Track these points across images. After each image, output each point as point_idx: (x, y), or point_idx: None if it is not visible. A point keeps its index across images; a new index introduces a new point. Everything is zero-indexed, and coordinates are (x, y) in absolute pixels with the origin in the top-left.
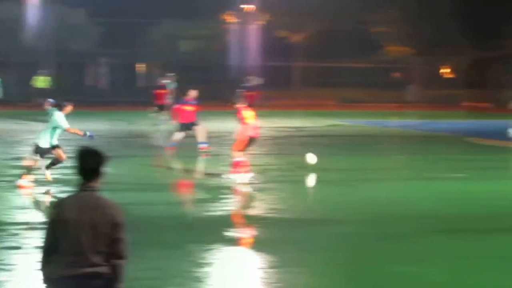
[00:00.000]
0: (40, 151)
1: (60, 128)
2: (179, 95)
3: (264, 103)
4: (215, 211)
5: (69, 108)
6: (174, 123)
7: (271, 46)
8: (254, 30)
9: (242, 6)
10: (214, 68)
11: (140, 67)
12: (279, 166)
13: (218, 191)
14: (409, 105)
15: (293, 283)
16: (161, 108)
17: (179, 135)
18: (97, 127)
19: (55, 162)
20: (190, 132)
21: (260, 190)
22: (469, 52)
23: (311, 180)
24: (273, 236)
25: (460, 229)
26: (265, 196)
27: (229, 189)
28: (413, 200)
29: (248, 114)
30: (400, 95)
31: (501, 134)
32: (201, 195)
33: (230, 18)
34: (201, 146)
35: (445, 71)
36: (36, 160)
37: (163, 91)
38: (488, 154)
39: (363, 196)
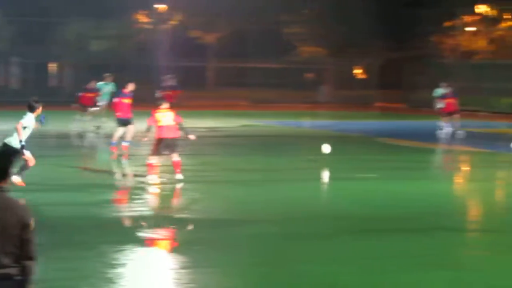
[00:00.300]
0: None
1: None
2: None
3: (180, 103)
4: (129, 212)
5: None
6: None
7: (184, 46)
8: (167, 30)
9: (155, 6)
10: (128, 68)
11: (52, 66)
12: (192, 166)
13: (132, 192)
14: (321, 105)
15: (206, 283)
16: (85, 109)
17: (119, 132)
18: (8, 128)
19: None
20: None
21: (174, 190)
22: (382, 53)
23: (224, 180)
24: (186, 237)
25: (371, 229)
26: (179, 196)
27: (143, 190)
28: (325, 200)
29: (162, 116)
30: (313, 95)
31: (413, 135)
32: (115, 195)
33: (142, 18)
34: (113, 146)
35: (358, 71)
36: None
37: (91, 94)
38: (401, 155)
39: (276, 196)
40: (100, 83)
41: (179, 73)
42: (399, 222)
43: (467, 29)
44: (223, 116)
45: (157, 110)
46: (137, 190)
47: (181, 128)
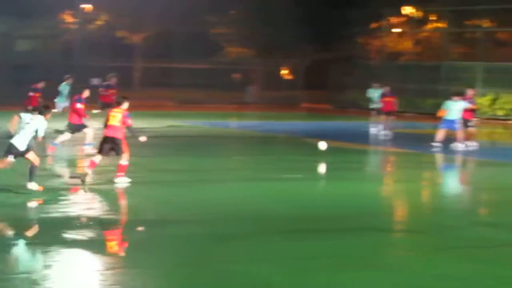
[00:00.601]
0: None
1: None
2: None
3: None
4: (53, 212)
5: None
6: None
7: (111, 46)
8: (93, 30)
9: (80, 6)
10: (54, 68)
11: None
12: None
13: (56, 193)
14: (249, 106)
15: (131, 284)
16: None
17: (66, 136)
18: None
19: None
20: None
21: (98, 191)
22: (308, 54)
23: (150, 181)
24: (111, 237)
25: (299, 229)
26: (103, 197)
27: (67, 191)
28: (252, 201)
29: (112, 116)
30: (240, 96)
31: (340, 135)
32: (40, 196)
33: (68, 18)
34: (86, 147)
35: (285, 72)
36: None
37: (36, 94)
38: (327, 155)
39: (203, 197)
40: (63, 84)
41: (106, 74)
42: (327, 223)
43: (393, 30)
44: (149, 116)
45: (113, 110)
46: (61, 191)
47: (130, 130)
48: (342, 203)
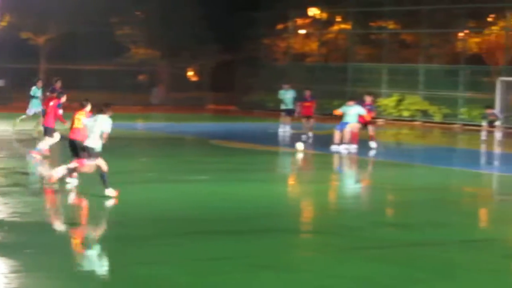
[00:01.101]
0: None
1: None
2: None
3: (6, 105)
4: None
5: None
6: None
7: (15, 47)
8: None
9: None
10: None
11: None
12: (24, 169)
13: None
14: (155, 107)
15: None
16: None
17: (53, 140)
18: None
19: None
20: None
21: (2, 193)
22: (214, 55)
23: (55, 183)
24: (14, 240)
25: (204, 231)
26: (8, 199)
27: None
28: (158, 202)
29: (77, 118)
30: (146, 97)
31: (245, 137)
32: None
33: None
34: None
35: (191, 74)
36: None
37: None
38: (233, 157)
39: (107, 200)
40: (34, 88)
41: (8, 75)
42: (232, 224)
43: (299, 31)
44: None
45: (78, 112)
46: None
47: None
48: (247, 205)
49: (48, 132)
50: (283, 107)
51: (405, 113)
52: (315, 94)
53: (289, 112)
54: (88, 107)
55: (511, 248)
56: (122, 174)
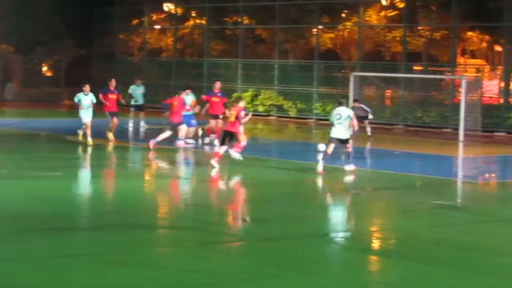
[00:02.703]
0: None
1: None
2: None
3: None
4: None
5: None
6: None
7: None
8: None
9: None
10: None
11: None
12: None
13: None
14: (9, 103)
15: None
16: None
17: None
18: None
19: None
20: None
21: None
22: (70, 50)
23: None
24: None
25: (56, 228)
26: None
27: None
28: (8, 199)
29: None
30: (0, 93)
31: (100, 132)
32: None
33: None
34: None
35: (46, 69)
36: None
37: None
38: (85, 153)
39: None
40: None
41: None
42: (85, 220)
43: (155, 27)
44: None
45: None
46: None
47: None
48: (101, 201)
49: None
50: (133, 102)
51: (261, 108)
52: (169, 88)
53: (139, 108)
54: None
55: (365, 242)
56: None
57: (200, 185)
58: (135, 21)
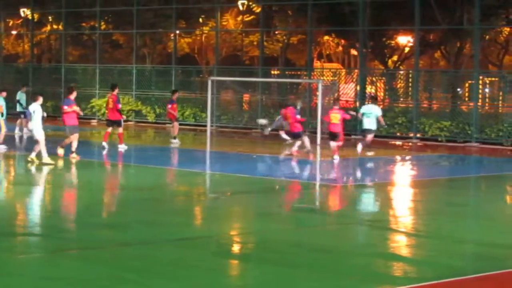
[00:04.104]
0: None
1: None
2: None
3: None
4: None
5: None
6: None
7: None
8: None
9: None
10: None
11: None
12: None
13: None
14: None
15: None
16: None
17: None
18: None
19: None
20: None
21: None
22: None
23: None
24: None
25: None
26: None
27: None
28: None
29: None
30: None
31: None
32: None
33: None
34: None
35: None
36: None
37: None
38: None
39: None
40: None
41: None
42: None
43: (12, 32)
44: None
45: None
46: None
47: None
48: None
49: None
50: (20, 109)
51: None
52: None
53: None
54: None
55: (222, 245)
56: None
57: (56, 191)
58: None
